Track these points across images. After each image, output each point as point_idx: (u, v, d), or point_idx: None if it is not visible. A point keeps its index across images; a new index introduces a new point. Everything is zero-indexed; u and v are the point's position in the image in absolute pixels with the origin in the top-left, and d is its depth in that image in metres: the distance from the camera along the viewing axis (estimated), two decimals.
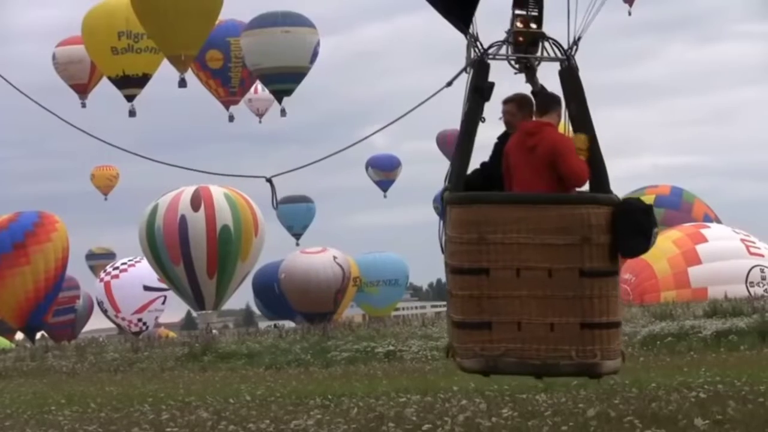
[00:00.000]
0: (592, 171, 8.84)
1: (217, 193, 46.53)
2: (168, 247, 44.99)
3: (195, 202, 45.73)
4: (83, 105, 47.91)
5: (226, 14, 46.11)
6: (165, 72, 43.66)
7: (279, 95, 45.45)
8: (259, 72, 44.73)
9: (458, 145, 8.98)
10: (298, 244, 65.73)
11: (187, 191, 46.52)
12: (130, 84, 43.87)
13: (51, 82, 50.19)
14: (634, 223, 8.63)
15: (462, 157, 8.94)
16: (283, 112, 48.95)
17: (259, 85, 50.41)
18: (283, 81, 44.68)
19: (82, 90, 47.12)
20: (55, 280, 52.25)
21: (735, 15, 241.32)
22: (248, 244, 45.85)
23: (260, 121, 56.02)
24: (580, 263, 8.54)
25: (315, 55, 44.82)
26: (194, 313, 55.32)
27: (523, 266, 8.52)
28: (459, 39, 9.22)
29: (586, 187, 8.98)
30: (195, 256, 44.75)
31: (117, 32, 42.86)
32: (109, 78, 44.18)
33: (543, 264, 8.51)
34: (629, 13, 50.16)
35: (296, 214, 67.12)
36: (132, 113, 45.02)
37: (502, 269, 8.52)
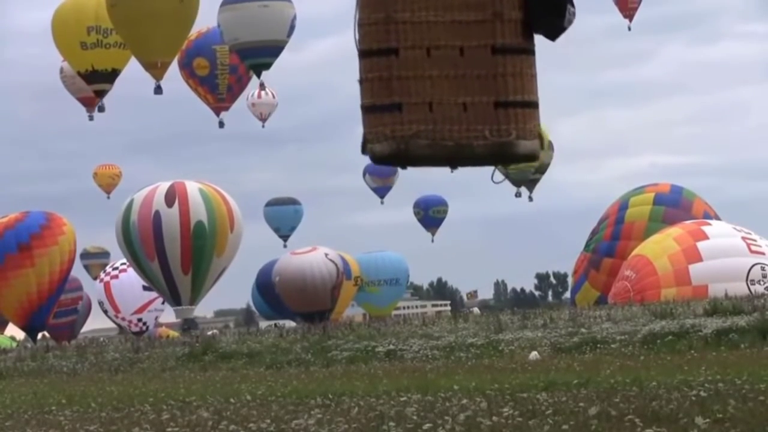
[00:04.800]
0: None
1: (192, 188, 46.29)
2: (143, 243, 44.91)
3: (169, 198, 45.54)
4: (90, 118, 47.79)
5: (211, 22, 46.39)
6: (167, 75, 43.71)
7: (257, 69, 45.47)
8: (237, 47, 44.76)
9: None
10: (285, 246, 65.74)
11: (162, 186, 46.29)
12: (99, 79, 43.87)
13: (52, 83, 50.28)
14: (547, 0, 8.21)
15: None
16: (262, 86, 49.01)
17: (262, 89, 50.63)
18: (261, 55, 44.68)
19: (90, 103, 47.03)
20: (59, 283, 52.03)
21: (735, 15, 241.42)
22: (223, 239, 45.62)
23: (263, 126, 56.08)
24: (492, 39, 8.14)
25: (292, 28, 44.92)
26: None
27: (434, 45, 8.13)
28: None
29: None
30: (169, 252, 44.59)
31: (86, 27, 42.87)
32: (78, 73, 44.20)
33: (454, 42, 8.13)
34: (629, 28, 50.18)
35: (283, 216, 67.05)
36: (101, 109, 45.05)
37: (412, 48, 8.13)
